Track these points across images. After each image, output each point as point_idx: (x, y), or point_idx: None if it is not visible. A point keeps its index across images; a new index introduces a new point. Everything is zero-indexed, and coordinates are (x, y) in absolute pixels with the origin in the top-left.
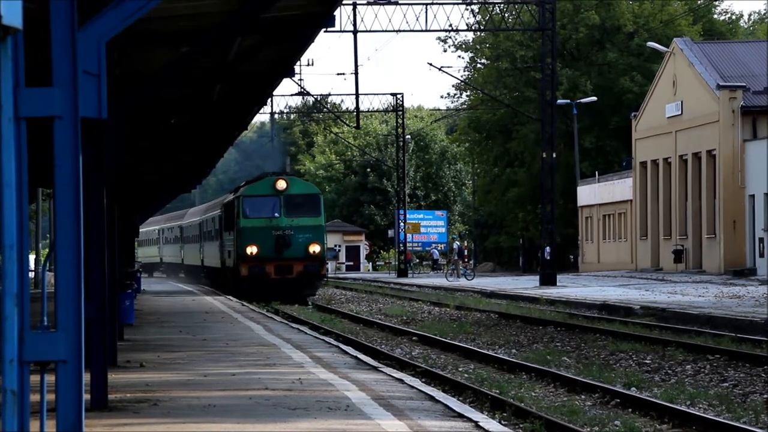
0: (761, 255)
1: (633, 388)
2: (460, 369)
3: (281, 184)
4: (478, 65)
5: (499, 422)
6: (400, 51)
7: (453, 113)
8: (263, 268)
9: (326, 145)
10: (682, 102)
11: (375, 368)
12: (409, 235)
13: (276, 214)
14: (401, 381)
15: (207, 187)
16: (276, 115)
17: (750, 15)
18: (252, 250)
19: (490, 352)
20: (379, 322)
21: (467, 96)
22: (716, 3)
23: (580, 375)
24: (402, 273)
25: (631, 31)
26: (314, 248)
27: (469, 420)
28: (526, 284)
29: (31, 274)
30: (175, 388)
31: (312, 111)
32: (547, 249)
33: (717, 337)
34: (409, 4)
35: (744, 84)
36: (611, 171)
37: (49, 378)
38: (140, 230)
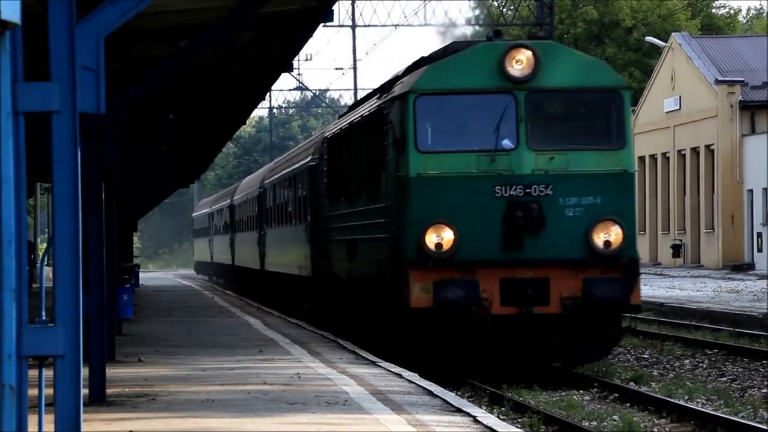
0: (759, 250)
1: (631, 383)
2: None
3: (521, 60)
4: None
5: (498, 417)
6: (399, 46)
7: None
8: (473, 285)
9: None
10: (680, 97)
11: (373, 363)
12: None
13: (508, 143)
14: (399, 375)
15: (205, 182)
16: (274, 110)
17: (748, 10)
18: (438, 238)
19: None
20: None
21: None
22: None
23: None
24: None
25: (630, 26)
26: (609, 234)
27: (468, 414)
28: None
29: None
30: (174, 382)
31: (310, 106)
32: None
33: (715, 332)
34: None
35: (742, 79)
36: None
37: (48, 373)
38: (194, 216)
